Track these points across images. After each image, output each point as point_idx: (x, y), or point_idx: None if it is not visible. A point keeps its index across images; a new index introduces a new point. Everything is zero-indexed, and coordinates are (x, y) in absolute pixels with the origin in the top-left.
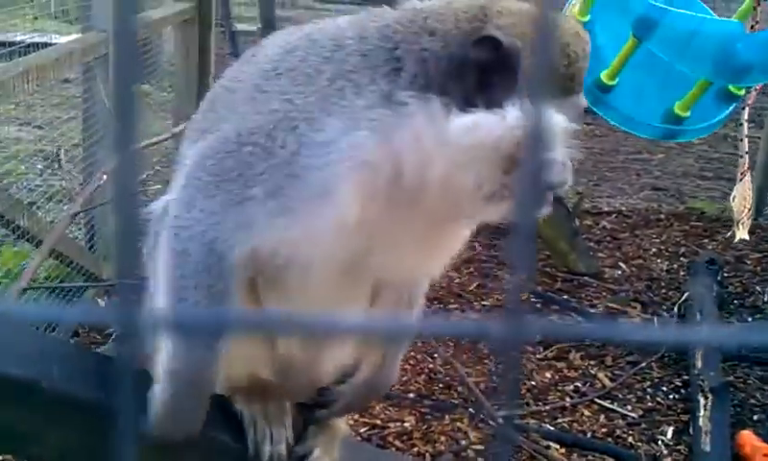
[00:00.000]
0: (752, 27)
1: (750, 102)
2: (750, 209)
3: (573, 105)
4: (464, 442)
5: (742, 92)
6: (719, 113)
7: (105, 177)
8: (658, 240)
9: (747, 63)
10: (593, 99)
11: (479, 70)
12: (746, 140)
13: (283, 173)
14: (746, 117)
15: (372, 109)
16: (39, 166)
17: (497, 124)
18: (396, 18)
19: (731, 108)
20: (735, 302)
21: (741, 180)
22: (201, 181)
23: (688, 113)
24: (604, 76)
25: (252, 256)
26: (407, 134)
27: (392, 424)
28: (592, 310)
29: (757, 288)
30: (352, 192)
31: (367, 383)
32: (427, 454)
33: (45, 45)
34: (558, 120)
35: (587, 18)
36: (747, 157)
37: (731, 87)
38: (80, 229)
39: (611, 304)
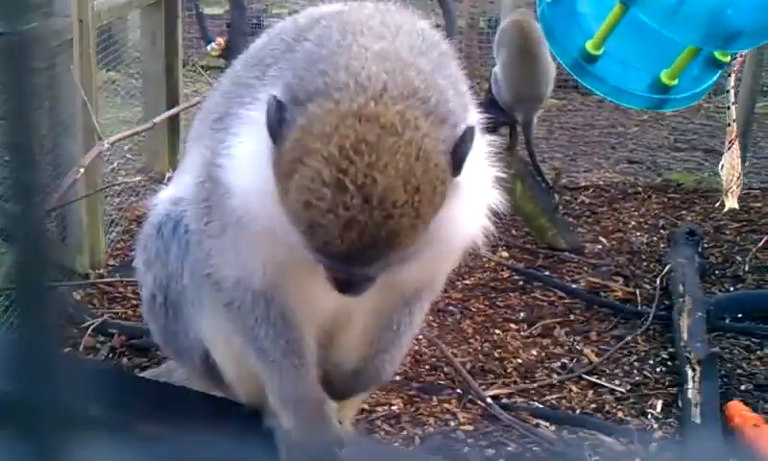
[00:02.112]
0: None
1: (736, 68)
2: (739, 178)
3: None
4: (453, 423)
5: (728, 59)
6: (705, 81)
7: (81, 170)
8: (636, 213)
9: (737, 29)
10: (578, 70)
11: None
12: (734, 108)
13: None
14: (732, 84)
15: None
16: (6, 158)
17: None
18: None
19: (717, 75)
20: (717, 272)
21: (729, 148)
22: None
23: (675, 81)
24: (589, 45)
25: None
26: None
27: (379, 408)
28: (574, 285)
29: (738, 258)
30: None
31: (355, 373)
32: (416, 437)
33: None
34: None
35: None
36: (735, 124)
37: (717, 54)
38: (51, 221)
39: (592, 279)
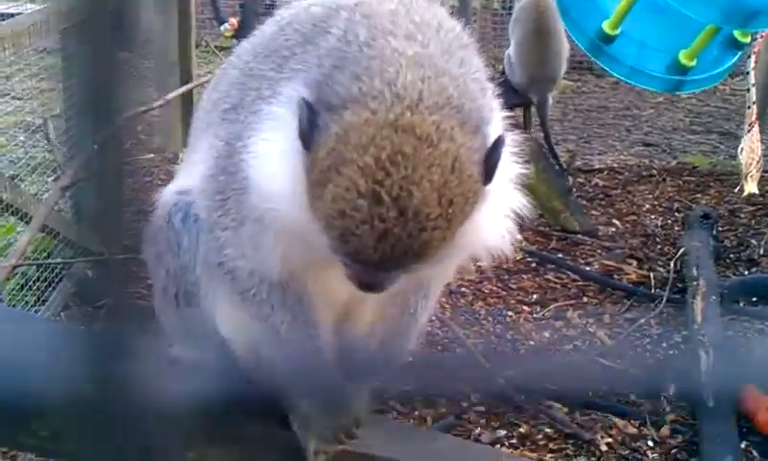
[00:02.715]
0: None
1: (756, 50)
2: (759, 161)
3: None
4: (465, 404)
5: (748, 40)
6: (725, 62)
7: (94, 147)
8: (651, 196)
9: (757, 6)
10: (595, 51)
11: None
12: (753, 90)
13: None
14: (753, 66)
15: None
16: (21, 138)
17: None
18: None
19: (736, 56)
20: (731, 255)
21: (749, 131)
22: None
23: (694, 62)
24: (606, 25)
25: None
26: None
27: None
28: (588, 268)
29: (752, 241)
30: None
31: (372, 356)
32: (429, 417)
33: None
34: None
35: None
36: (755, 107)
37: (737, 35)
38: (66, 201)
39: (606, 262)
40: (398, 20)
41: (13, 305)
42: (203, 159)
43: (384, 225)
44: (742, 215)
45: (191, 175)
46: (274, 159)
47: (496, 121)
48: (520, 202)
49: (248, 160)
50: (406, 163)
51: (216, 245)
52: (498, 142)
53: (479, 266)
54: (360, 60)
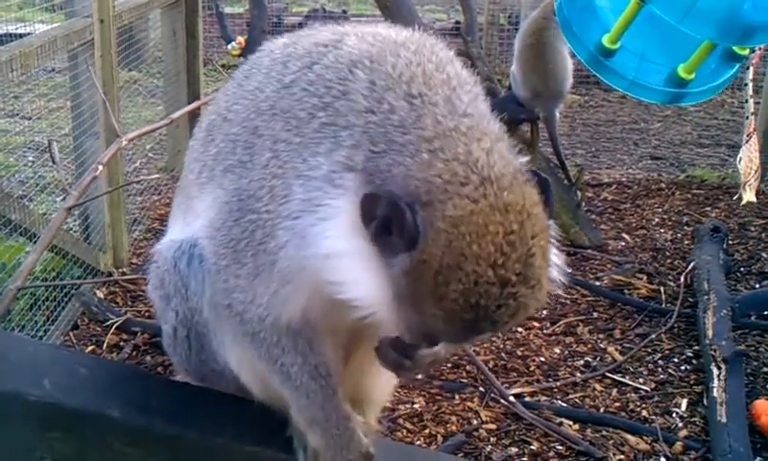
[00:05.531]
0: None
1: (754, 62)
2: (757, 171)
3: None
4: (475, 422)
5: (746, 52)
6: (723, 74)
7: (100, 168)
8: (660, 210)
9: (753, 24)
10: (595, 64)
11: None
12: (752, 101)
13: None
14: (751, 77)
15: None
16: (30, 157)
17: None
18: None
19: (735, 68)
20: (742, 269)
21: (747, 141)
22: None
23: (693, 76)
24: (606, 40)
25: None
26: None
27: (401, 407)
28: (598, 283)
29: (763, 255)
30: None
31: None
32: (439, 435)
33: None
34: None
35: None
36: (753, 118)
37: (735, 48)
38: (75, 220)
39: (616, 276)
40: (432, 82)
41: (23, 325)
42: (208, 209)
43: (516, 302)
44: (752, 228)
45: (192, 226)
46: (354, 264)
47: (517, 151)
48: (554, 227)
49: (313, 259)
50: (518, 240)
51: (224, 287)
52: (546, 182)
53: None
54: (416, 143)
